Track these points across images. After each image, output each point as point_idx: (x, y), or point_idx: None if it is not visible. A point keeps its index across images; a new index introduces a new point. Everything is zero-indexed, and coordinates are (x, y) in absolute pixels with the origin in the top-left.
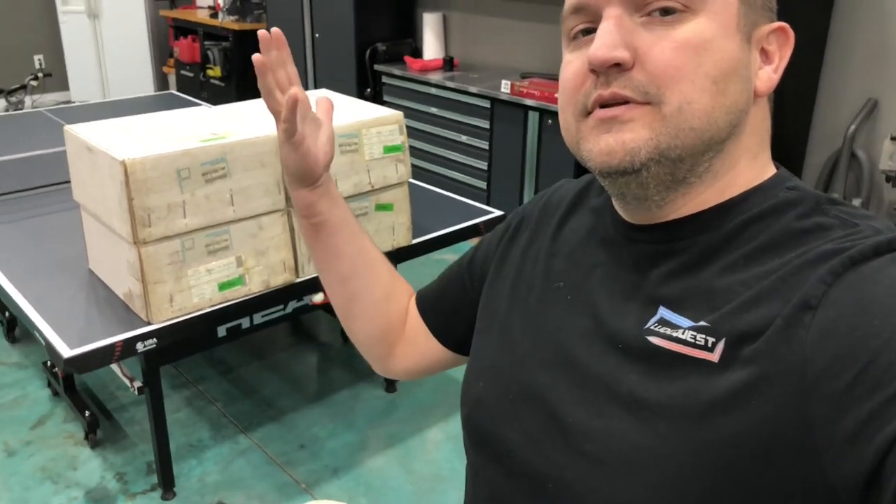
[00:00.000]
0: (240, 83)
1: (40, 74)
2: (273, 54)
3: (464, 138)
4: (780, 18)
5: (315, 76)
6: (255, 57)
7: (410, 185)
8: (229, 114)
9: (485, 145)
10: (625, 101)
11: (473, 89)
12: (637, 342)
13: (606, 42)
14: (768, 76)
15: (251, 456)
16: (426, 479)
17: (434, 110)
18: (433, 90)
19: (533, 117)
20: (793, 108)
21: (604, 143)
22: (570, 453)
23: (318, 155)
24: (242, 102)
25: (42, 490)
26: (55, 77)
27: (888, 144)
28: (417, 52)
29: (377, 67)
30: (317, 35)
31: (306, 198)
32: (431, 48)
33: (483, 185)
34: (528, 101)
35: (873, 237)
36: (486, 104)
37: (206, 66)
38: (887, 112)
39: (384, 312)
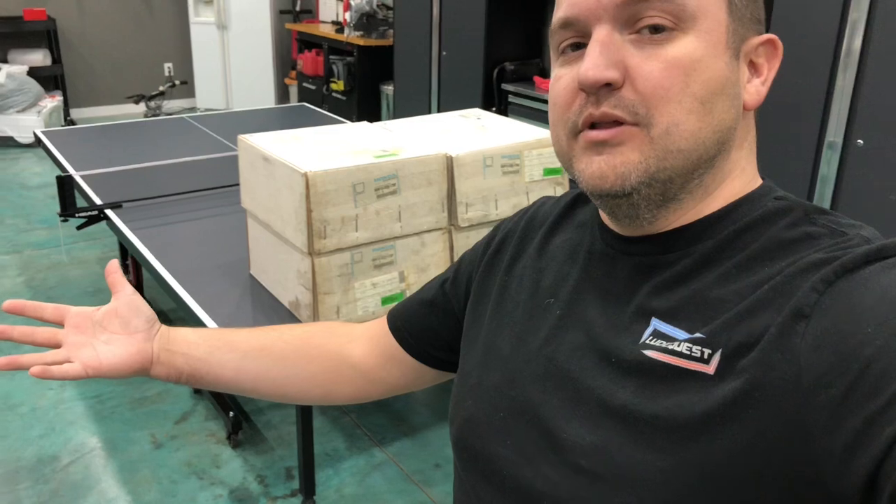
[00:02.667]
0: (362, 97)
1: (177, 82)
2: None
3: None
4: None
5: (439, 94)
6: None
7: None
8: (392, 131)
9: None
10: (615, 121)
11: None
12: (632, 356)
13: (597, 62)
14: (756, 89)
15: (387, 470)
16: None
17: None
18: None
19: None
20: None
21: (595, 167)
22: (565, 469)
23: (128, 350)
24: (399, 120)
25: (188, 484)
26: (181, 84)
27: None
28: (545, 73)
29: (504, 86)
30: (444, 52)
31: (159, 374)
32: None
33: None
34: None
35: (863, 245)
36: None
37: (330, 79)
38: None
39: (328, 378)
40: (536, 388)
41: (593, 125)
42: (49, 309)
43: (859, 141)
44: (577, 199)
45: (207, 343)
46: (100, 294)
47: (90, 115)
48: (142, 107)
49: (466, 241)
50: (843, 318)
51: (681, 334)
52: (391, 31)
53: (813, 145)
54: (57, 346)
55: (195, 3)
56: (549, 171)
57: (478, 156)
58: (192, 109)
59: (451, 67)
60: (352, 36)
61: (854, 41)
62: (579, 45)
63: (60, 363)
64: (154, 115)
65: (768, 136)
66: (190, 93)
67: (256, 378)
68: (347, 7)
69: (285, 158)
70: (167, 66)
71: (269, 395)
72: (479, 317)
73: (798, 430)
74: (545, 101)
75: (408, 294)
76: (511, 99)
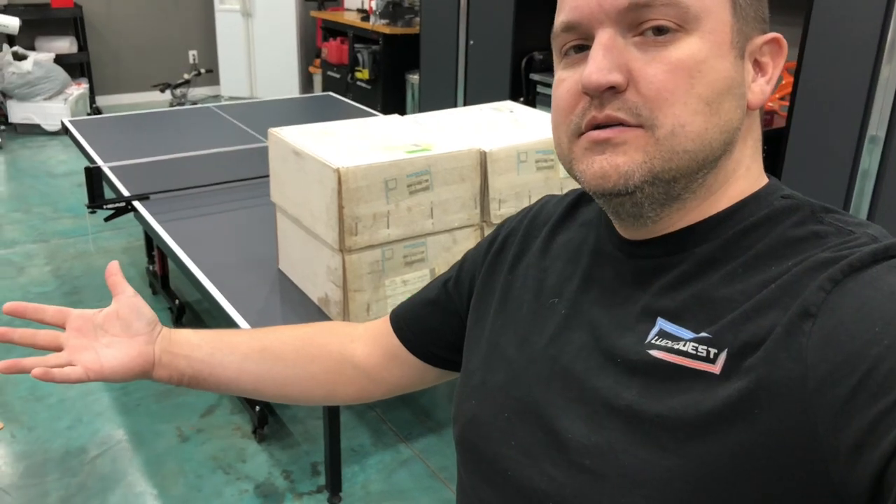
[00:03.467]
0: (386, 86)
1: (202, 70)
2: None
3: None
4: None
5: (466, 83)
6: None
7: None
8: (423, 124)
9: None
10: (618, 123)
11: None
12: (638, 356)
13: (601, 66)
14: (761, 88)
15: (413, 467)
16: None
17: None
18: None
19: None
20: None
21: (597, 166)
22: (569, 469)
23: (129, 353)
24: (431, 113)
25: (214, 479)
26: (206, 72)
27: None
28: None
29: (533, 76)
30: (471, 42)
31: (161, 376)
32: None
33: None
34: None
35: (870, 244)
36: None
37: (355, 68)
38: None
39: (330, 378)
40: (541, 389)
41: (596, 126)
42: (50, 311)
43: None
44: (581, 198)
45: (209, 344)
46: None
47: (115, 102)
48: (167, 95)
49: None
50: (851, 318)
51: (686, 334)
52: (417, 19)
53: (854, 139)
54: (58, 349)
55: None
56: None
57: (511, 151)
58: (217, 97)
59: (479, 57)
60: (377, 24)
61: None
62: (582, 48)
63: (62, 366)
64: (179, 104)
65: (808, 129)
66: (214, 81)
67: (258, 379)
68: None
69: (317, 153)
70: (192, 53)
71: (272, 396)
72: (482, 316)
73: (805, 429)
74: None
75: None
76: (539, 89)
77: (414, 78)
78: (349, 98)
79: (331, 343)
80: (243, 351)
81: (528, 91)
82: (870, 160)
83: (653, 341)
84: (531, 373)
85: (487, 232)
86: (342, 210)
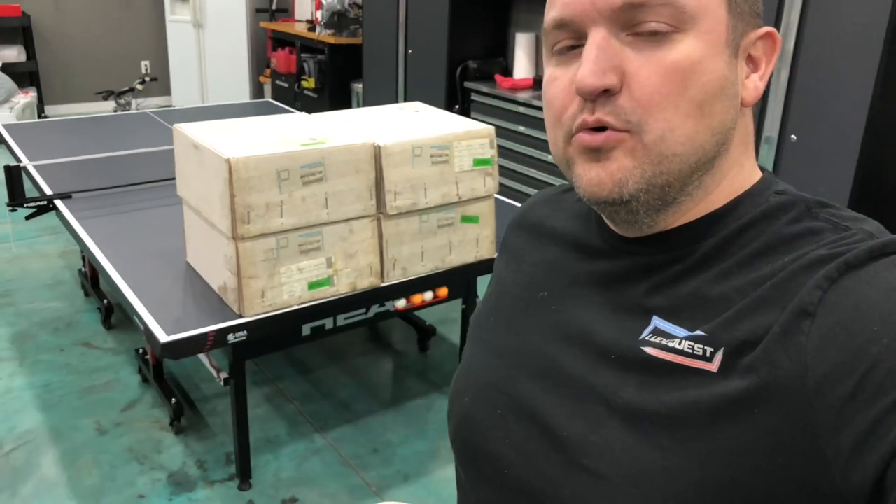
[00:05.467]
0: (332, 95)
1: (147, 79)
2: None
3: (551, 157)
4: None
5: (406, 91)
6: None
7: (497, 200)
8: (327, 121)
9: None
10: (607, 126)
11: None
12: (632, 353)
13: (594, 69)
14: (755, 85)
15: (325, 455)
16: None
17: (522, 129)
18: (522, 108)
19: None
20: None
21: (593, 174)
22: (567, 468)
23: None
24: (339, 111)
25: (129, 469)
26: (158, 82)
27: None
28: (507, 72)
29: (467, 84)
30: (410, 51)
31: None
32: (522, 68)
33: None
34: None
35: (867, 241)
36: None
37: (302, 77)
38: None
39: None
40: (535, 386)
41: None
42: None
43: (793, 136)
44: (572, 194)
45: None
46: (58, 286)
47: (66, 111)
48: (112, 103)
49: (396, 229)
50: (849, 316)
51: (681, 332)
52: (361, 29)
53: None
54: None
55: (171, 1)
56: (479, 162)
57: (406, 145)
58: (168, 107)
59: (417, 65)
60: (323, 34)
61: (788, 42)
62: (575, 46)
63: None
64: (124, 111)
65: None
66: (166, 91)
67: None
68: (319, 6)
69: (212, 146)
70: (144, 63)
71: None
72: (478, 316)
73: (805, 429)
74: (506, 99)
75: (335, 280)
76: (474, 97)
77: (358, 86)
78: (297, 107)
79: None
80: None
81: (463, 98)
82: (766, 161)
83: (647, 338)
84: (524, 370)
85: (385, 223)
86: (234, 199)
